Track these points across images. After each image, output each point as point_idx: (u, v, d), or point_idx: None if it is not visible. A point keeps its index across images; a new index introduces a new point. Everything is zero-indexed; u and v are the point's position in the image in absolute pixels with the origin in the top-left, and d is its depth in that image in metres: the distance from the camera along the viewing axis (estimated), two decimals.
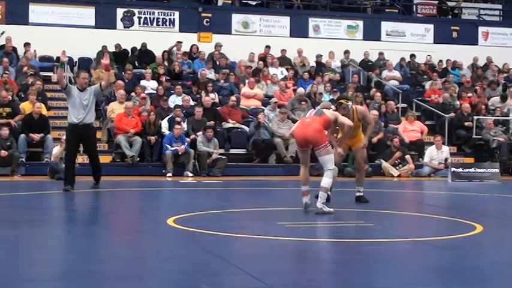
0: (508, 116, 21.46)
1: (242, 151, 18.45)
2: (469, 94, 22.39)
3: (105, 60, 13.16)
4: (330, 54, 24.25)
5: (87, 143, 13.25)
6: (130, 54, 22.58)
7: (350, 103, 11.06)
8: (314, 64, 23.91)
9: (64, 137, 14.45)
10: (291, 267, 6.52)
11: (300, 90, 20.57)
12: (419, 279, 6.18)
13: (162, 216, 9.76)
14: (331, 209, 9.84)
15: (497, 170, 17.63)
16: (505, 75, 24.97)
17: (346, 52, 24.39)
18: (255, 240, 7.94)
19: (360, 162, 11.37)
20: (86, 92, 12.84)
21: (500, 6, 29.38)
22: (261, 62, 22.89)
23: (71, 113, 12.85)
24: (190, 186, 15.36)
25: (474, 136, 20.03)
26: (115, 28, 23.47)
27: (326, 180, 9.84)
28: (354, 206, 10.73)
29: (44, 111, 17.52)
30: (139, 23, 23.81)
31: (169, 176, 16.61)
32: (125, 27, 23.61)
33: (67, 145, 13.40)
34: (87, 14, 23.34)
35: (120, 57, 22.30)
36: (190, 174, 16.85)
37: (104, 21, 23.37)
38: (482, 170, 17.59)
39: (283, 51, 23.92)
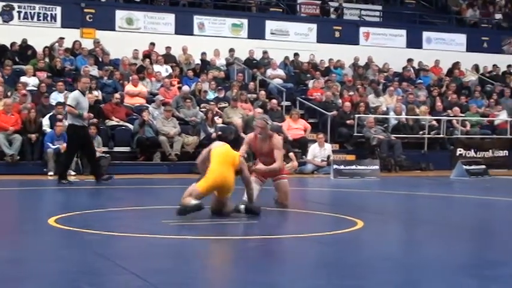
0: (387, 115, 22.09)
1: (126, 149, 18.24)
2: (351, 93, 22.91)
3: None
4: (215, 52, 24.30)
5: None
6: (10, 49, 21.91)
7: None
8: (199, 62, 23.91)
9: None
10: (174, 266, 6.50)
11: (185, 88, 20.52)
12: (301, 275, 6.27)
13: (43, 216, 9.54)
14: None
15: (377, 167, 18.09)
16: (385, 74, 25.68)
17: (231, 50, 24.49)
18: (139, 239, 7.87)
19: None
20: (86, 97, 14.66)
21: (380, 8, 30.19)
22: (145, 60, 22.68)
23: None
24: (73, 185, 15.06)
25: (355, 134, 20.51)
26: None
27: None
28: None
29: None
30: (19, 18, 23.13)
31: (50, 175, 16.23)
32: (3, 21, 22.89)
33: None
34: None
35: None
36: (73, 173, 16.52)
37: None
38: (363, 167, 18.00)
39: (168, 48, 23.79)
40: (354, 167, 17.98)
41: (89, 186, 14.58)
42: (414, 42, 28.13)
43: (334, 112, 21.08)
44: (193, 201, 9.13)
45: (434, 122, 21.93)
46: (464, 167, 18.32)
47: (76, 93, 14.59)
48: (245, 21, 26.05)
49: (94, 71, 21.23)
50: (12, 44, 21.98)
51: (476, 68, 27.99)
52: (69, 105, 14.48)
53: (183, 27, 24.96)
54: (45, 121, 17.40)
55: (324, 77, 24.15)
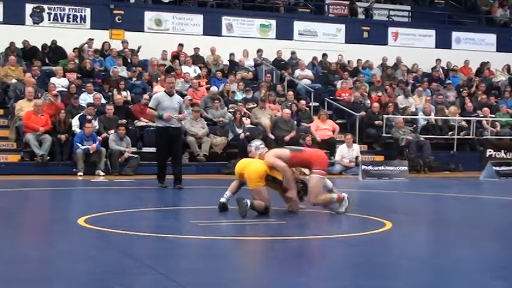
0: (416, 115, 21.97)
1: (154, 149, 18.21)
2: (379, 93, 22.82)
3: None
4: (243, 52, 24.33)
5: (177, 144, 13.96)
6: (40, 51, 22.11)
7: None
8: (227, 62, 23.96)
9: None
10: (203, 266, 6.51)
11: (213, 88, 20.57)
12: (330, 276, 6.27)
13: (73, 216, 9.60)
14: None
15: (405, 168, 18.00)
16: (414, 75, 25.54)
17: (259, 51, 24.50)
18: (167, 239, 7.89)
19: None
20: (174, 97, 13.63)
21: (409, 8, 30.04)
22: (174, 60, 22.75)
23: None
24: (102, 185, 15.16)
25: (384, 134, 20.42)
26: (24, 24, 22.93)
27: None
28: None
29: None
30: (49, 19, 23.34)
31: (80, 175, 16.36)
32: (34, 23, 23.11)
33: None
34: None
35: (28, 54, 21.82)
36: (102, 173, 16.63)
37: (12, 16, 22.80)
38: (391, 168, 17.93)
39: (196, 49, 23.86)
40: (382, 167, 17.92)
41: (118, 186, 14.67)
42: (443, 42, 27.96)
43: (363, 113, 21.01)
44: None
45: (463, 123, 21.77)
46: (494, 168, 18.17)
47: (158, 94, 14.31)
48: (273, 22, 26.07)
49: (123, 72, 21.35)
50: (44, 45, 22.17)
51: (508, 68, 27.74)
52: (148, 107, 14.20)
53: (212, 28, 25.03)
54: (75, 122, 17.52)
55: (352, 77, 24.09)
